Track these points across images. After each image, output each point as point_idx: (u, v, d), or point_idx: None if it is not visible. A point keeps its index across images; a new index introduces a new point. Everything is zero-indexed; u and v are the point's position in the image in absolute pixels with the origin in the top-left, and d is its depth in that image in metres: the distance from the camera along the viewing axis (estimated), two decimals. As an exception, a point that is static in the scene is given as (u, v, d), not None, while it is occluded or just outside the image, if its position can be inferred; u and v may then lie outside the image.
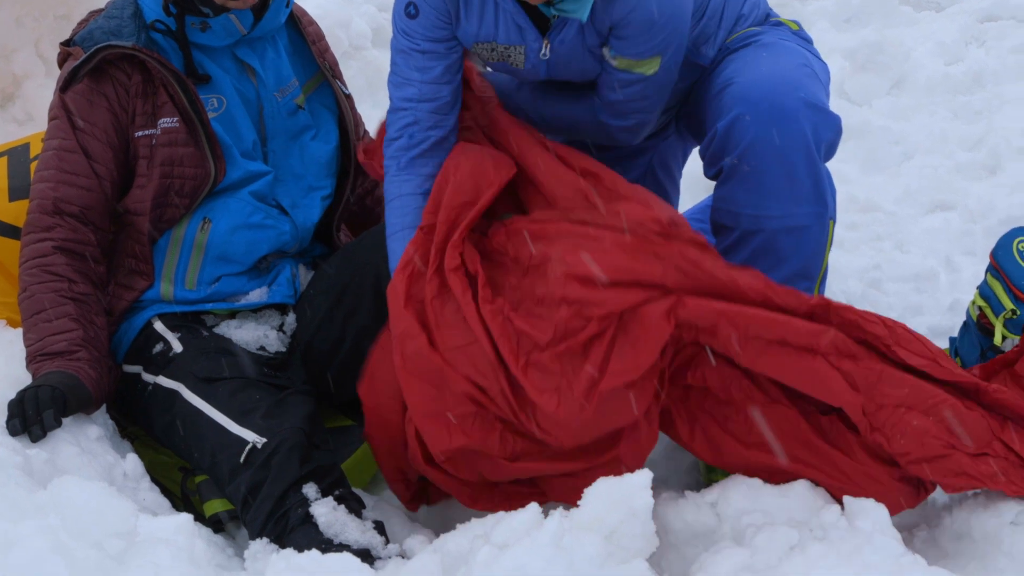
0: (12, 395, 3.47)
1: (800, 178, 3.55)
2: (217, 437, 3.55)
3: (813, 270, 3.68)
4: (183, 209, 3.84)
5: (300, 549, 3.21)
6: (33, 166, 4.11)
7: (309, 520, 3.34)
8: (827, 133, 3.58)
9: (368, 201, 4.31)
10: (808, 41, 3.90)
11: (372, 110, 4.39)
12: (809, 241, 3.63)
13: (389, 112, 3.77)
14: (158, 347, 3.79)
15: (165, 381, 3.71)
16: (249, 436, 3.50)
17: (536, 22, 3.63)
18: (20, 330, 3.80)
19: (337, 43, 5.86)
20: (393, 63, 3.75)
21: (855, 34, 6.73)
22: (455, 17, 3.66)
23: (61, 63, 3.89)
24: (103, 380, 3.63)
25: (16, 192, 4.08)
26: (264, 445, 3.47)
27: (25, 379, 3.58)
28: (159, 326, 3.83)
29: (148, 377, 3.76)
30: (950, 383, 3.34)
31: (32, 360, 3.60)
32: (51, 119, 3.86)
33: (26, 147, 4.21)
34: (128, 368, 3.82)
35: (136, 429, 3.84)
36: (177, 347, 3.77)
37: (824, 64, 3.82)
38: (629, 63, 3.60)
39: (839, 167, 5.81)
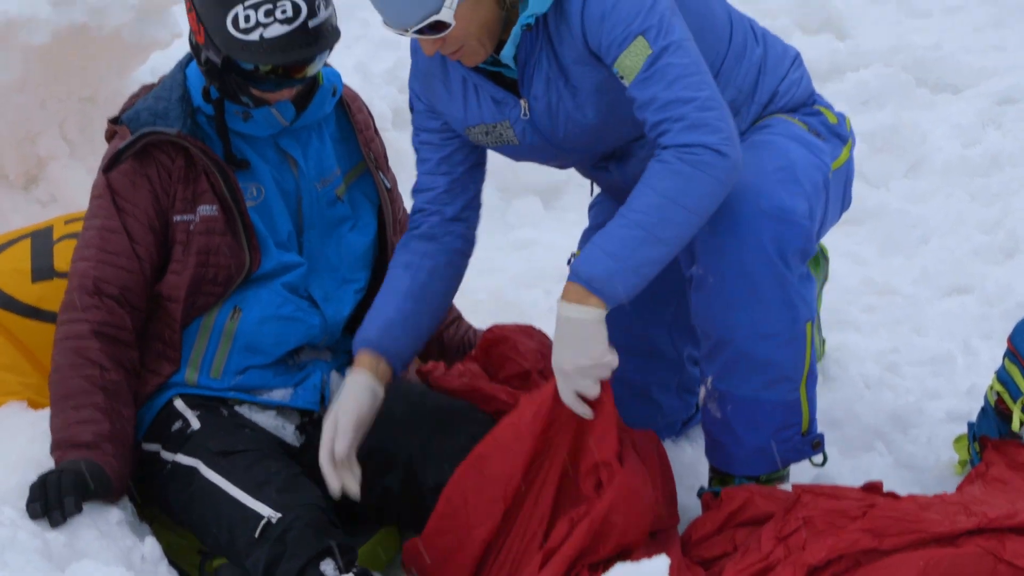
0: (33, 477, 3.48)
1: (764, 289, 3.54)
2: (233, 511, 3.56)
3: (794, 373, 3.67)
4: (215, 297, 3.85)
5: None
6: (57, 248, 4.14)
7: None
8: (793, 241, 3.54)
9: None
10: (839, 138, 3.83)
11: (392, 192, 4.42)
12: (783, 348, 3.62)
13: None
14: (177, 424, 3.80)
15: (183, 459, 3.72)
16: (264, 511, 3.51)
17: (513, 89, 3.64)
18: (41, 412, 3.82)
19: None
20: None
21: (872, 116, 6.74)
22: (444, 105, 3.72)
23: (108, 139, 3.93)
24: (125, 470, 3.64)
25: (39, 273, 4.10)
26: (279, 520, 3.48)
27: (45, 461, 3.58)
28: (179, 404, 3.84)
29: (167, 455, 3.77)
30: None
31: (57, 447, 3.60)
32: (94, 198, 3.87)
33: (49, 230, 4.23)
34: (147, 447, 3.82)
35: (154, 510, 3.83)
36: (195, 424, 3.78)
37: (821, 163, 3.69)
38: (622, 62, 3.45)
39: (856, 249, 5.83)
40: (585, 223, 4.25)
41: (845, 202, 3.95)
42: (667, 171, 3.38)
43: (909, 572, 3.23)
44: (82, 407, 3.64)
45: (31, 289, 4.08)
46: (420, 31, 3.41)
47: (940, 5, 8.43)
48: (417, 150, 3.87)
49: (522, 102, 3.63)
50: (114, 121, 3.92)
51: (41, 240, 4.20)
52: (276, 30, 3.62)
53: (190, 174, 3.82)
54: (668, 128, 3.40)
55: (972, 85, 7.40)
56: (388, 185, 4.10)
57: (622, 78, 3.45)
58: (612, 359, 3.44)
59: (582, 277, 3.40)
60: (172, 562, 3.61)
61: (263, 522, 3.49)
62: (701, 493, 3.80)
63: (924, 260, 5.76)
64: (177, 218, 3.82)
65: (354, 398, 3.66)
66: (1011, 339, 3.96)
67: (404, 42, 3.63)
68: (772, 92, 3.82)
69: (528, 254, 5.82)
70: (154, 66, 5.65)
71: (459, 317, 4.36)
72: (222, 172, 3.79)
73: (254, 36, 3.62)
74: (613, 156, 3.81)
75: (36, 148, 5.27)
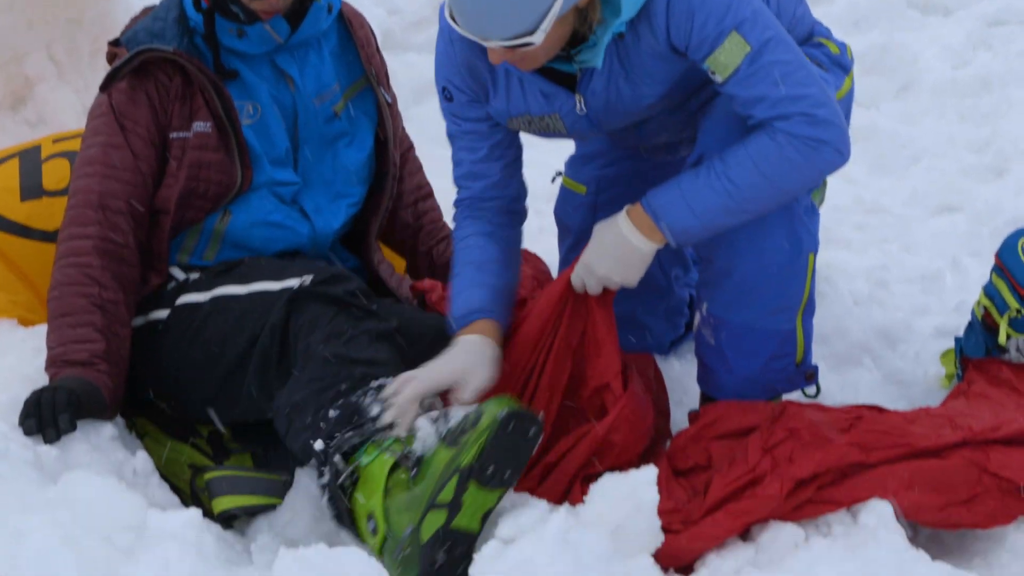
0: (24, 393, 3.48)
1: (770, 220, 3.51)
2: (256, 306, 3.58)
3: (793, 303, 3.65)
4: (204, 212, 3.86)
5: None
6: (46, 167, 4.14)
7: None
8: None
9: (396, 204, 4.28)
10: (841, 68, 3.79)
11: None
12: (784, 277, 3.60)
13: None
14: (171, 285, 3.82)
15: (187, 298, 3.74)
16: (293, 282, 3.55)
17: (562, 81, 3.56)
18: (32, 329, 3.83)
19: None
20: (450, 142, 3.79)
21: (863, 37, 6.73)
22: (484, 96, 3.64)
23: (110, 61, 3.91)
24: (119, 390, 3.64)
25: (28, 192, 4.10)
26: (312, 280, 3.53)
27: (36, 377, 3.60)
28: (173, 270, 3.87)
29: (160, 313, 3.79)
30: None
31: (52, 364, 3.60)
32: (95, 117, 3.86)
33: (37, 149, 4.23)
34: (136, 321, 3.81)
35: (144, 421, 3.85)
36: (194, 275, 3.81)
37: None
38: (716, 59, 3.36)
39: (847, 169, 5.76)
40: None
41: None
42: (779, 155, 3.35)
43: (895, 484, 3.26)
44: (79, 325, 3.64)
45: (20, 208, 4.08)
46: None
47: (931, -73, 8.38)
48: (459, 137, 3.74)
49: (577, 98, 3.56)
50: (114, 43, 3.92)
51: (29, 159, 4.19)
52: None
53: (187, 92, 3.82)
54: (788, 117, 3.34)
55: (962, 7, 7.39)
56: (389, 100, 4.10)
57: (714, 73, 3.38)
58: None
59: (659, 216, 3.43)
60: (163, 476, 3.62)
61: (296, 286, 3.53)
62: (690, 415, 3.81)
63: (914, 180, 5.78)
64: (173, 135, 3.83)
65: (489, 364, 3.51)
66: (998, 254, 3.98)
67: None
68: None
69: (518, 176, 5.80)
70: (141, -12, 5.63)
71: (450, 235, 4.37)
72: (217, 90, 3.79)
73: None
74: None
75: (23, 69, 5.27)
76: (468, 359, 3.48)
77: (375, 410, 3.30)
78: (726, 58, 3.35)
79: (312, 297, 3.50)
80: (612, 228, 3.50)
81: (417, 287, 4.05)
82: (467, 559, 3.11)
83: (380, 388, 3.34)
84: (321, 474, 3.31)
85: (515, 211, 3.82)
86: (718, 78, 3.38)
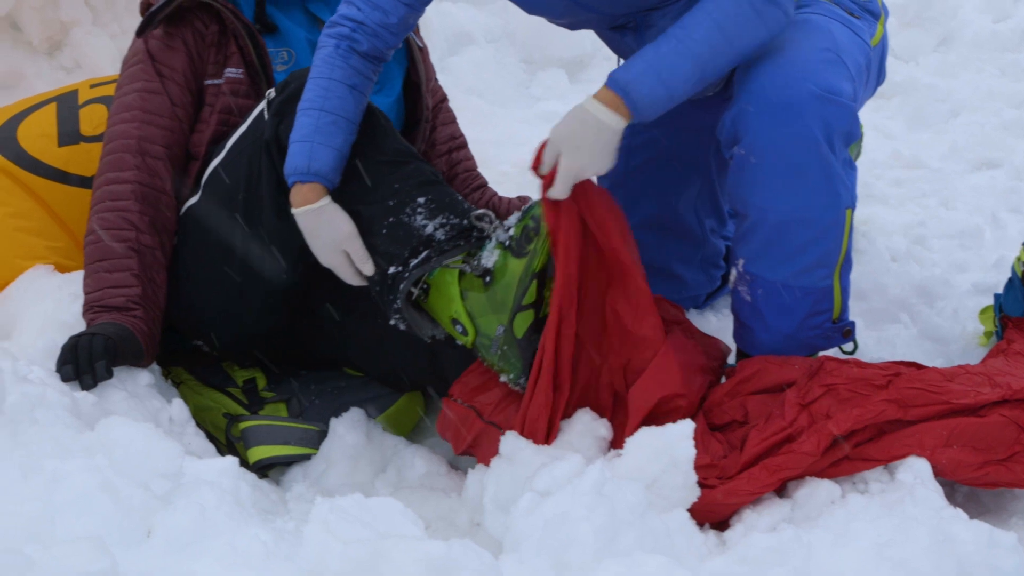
0: (61, 339, 3.48)
1: (808, 173, 3.45)
2: (245, 144, 3.59)
3: (830, 259, 3.60)
4: None
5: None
6: (83, 112, 4.13)
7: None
8: (839, 125, 3.44)
9: (429, 153, 4.27)
10: (871, 15, 3.76)
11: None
12: (821, 233, 3.55)
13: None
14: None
15: (184, 208, 3.76)
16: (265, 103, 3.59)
17: None
18: (68, 276, 3.83)
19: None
20: None
21: (903, -9, 6.69)
22: None
23: (143, 11, 3.91)
24: (155, 337, 3.64)
25: (65, 138, 4.10)
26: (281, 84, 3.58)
27: (73, 323, 3.59)
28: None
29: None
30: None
31: (89, 309, 3.60)
32: (132, 64, 3.87)
33: (74, 93, 4.23)
34: None
35: (179, 371, 3.86)
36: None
37: (863, 44, 3.63)
38: None
39: (885, 123, 5.80)
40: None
41: (880, 77, 3.88)
42: (735, 11, 3.31)
43: (933, 441, 3.24)
44: (116, 270, 3.64)
45: (58, 153, 4.07)
46: None
47: None
48: None
49: None
50: None
51: (67, 104, 4.19)
52: None
53: (222, 39, 3.84)
54: None
55: (1004, -41, 7.32)
56: (421, 45, 4.10)
57: None
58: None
59: (628, 90, 3.30)
60: (199, 425, 3.62)
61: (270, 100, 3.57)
62: (726, 371, 3.79)
63: (953, 134, 5.75)
64: (208, 82, 3.85)
65: (348, 221, 3.50)
66: (1039, 211, 3.95)
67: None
68: None
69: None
70: (179, -67, 5.62)
71: (484, 184, 4.36)
72: (251, 36, 3.81)
73: None
74: (629, 26, 3.75)
75: (59, 13, 5.26)
76: (346, 226, 3.49)
77: (428, 229, 3.41)
78: None
79: (291, 99, 3.49)
80: (578, 109, 3.34)
81: None
82: None
83: (427, 203, 3.44)
84: (390, 298, 3.43)
85: (382, 61, 3.67)
86: None
